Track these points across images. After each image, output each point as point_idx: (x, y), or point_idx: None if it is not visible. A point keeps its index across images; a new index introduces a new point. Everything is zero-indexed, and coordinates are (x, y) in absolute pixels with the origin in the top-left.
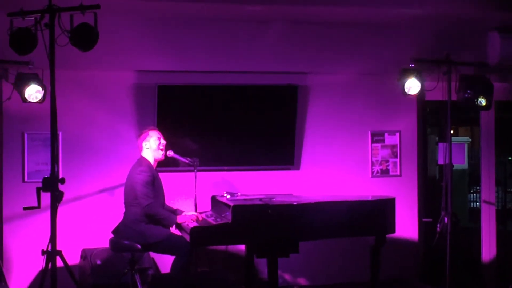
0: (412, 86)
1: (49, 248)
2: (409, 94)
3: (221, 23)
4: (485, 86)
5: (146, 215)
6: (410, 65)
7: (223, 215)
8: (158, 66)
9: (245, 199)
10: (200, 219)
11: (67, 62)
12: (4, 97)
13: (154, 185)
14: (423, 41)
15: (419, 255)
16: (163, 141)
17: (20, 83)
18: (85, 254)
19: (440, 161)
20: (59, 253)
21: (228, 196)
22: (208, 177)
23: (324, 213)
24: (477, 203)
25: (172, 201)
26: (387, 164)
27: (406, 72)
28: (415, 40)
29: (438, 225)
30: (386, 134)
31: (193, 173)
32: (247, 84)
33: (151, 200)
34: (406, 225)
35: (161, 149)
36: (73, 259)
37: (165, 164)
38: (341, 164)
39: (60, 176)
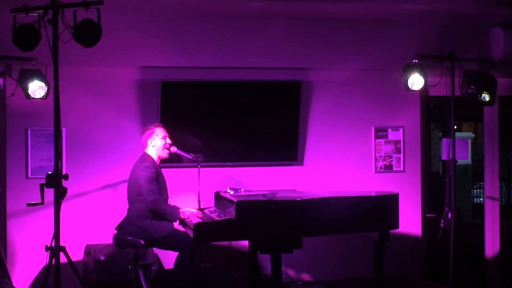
0: (416, 81)
1: (53, 244)
2: (412, 90)
3: (225, 19)
4: (488, 82)
5: (151, 211)
6: (414, 60)
7: (226, 211)
8: (162, 62)
9: (248, 195)
10: (201, 215)
11: (70, 58)
12: (7, 93)
13: (158, 181)
14: (427, 37)
15: (422, 250)
16: (168, 140)
17: (24, 79)
18: (89, 250)
19: (444, 157)
20: (63, 249)
21: (232, 192)
22: (211, 173)
23: (327, 209)
24: (481, 199)
25: (175, 197)
26: (390, 159)
27: (409, 68)
28: (418, 35)
29: (442, 220)
30: (389, 130)
31: (197, 169)
32: (251, 80)
33: (156, 195)
34: (410, 221)
35: (166, 148)
36: (77, 255)
37: (168, 160)
38: (344, 160)
39: (64, 172)
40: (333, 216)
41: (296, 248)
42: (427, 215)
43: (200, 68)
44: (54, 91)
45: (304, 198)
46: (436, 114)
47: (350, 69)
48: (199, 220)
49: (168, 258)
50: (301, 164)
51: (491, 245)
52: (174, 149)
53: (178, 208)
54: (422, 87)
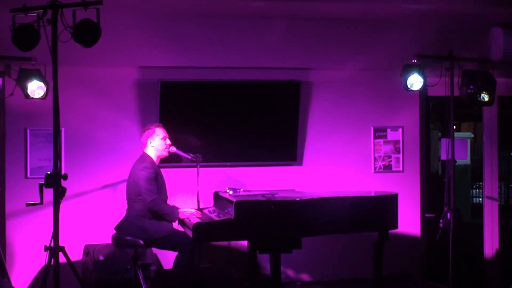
0: (415, 81)
1: (52, 244)
2: (411, 90)
3: (225, 19)
4: (488, 82)
5: (150, 211)
6: (413, 60)
7: (225, 211)
8: (161, 62)
9: (247, 195)
10: (200, 215)
11: (69, 58)
12: (6, 93)
13: (157, 181)
14: (426, 37)
15: (421, 250)
16: (168, 141)
17: (23, 79)
18: (88, 250)
19: (443, 157)
20: (62, 249)
21: (231, 192)
22: (210, 173)
23: (326, 209)
24: (480, 199)
25: (174, 197)
26: (389, 159)
27: (409, 68)
28: (418, 35)
29: (441, 220)
30: (388, 130)
31: (196, 169)
32: (250, 79)
33: (155, 196)
34: (409, 221)
35: (166, 149)
36: (76, 255)
37: (167, 160)
38: (343, 160)
39: (63, 172)
40: (332, 216)
41: (295, 248)
42: (426, 215)
43: (199, 68)
44: (53, 91)
45: (303, 198)
46: (435, 114)
47: (349, 69)
48: (198, 220)
49: (167, 258)
50: (300, 164)
51: (490, 245)
52: (173, 149)
53: (177, 208)
54: (422, 87)
